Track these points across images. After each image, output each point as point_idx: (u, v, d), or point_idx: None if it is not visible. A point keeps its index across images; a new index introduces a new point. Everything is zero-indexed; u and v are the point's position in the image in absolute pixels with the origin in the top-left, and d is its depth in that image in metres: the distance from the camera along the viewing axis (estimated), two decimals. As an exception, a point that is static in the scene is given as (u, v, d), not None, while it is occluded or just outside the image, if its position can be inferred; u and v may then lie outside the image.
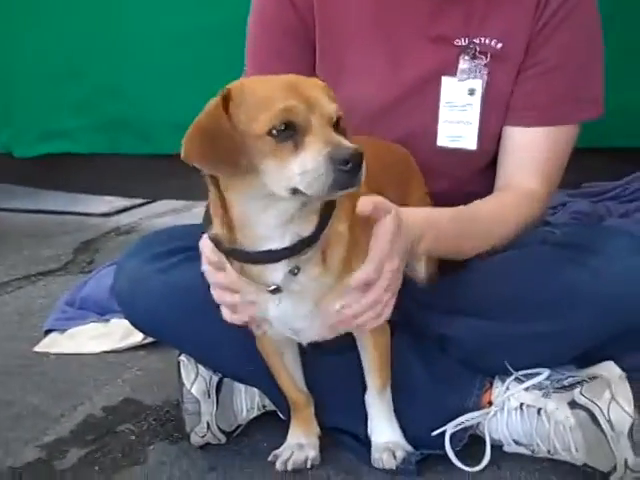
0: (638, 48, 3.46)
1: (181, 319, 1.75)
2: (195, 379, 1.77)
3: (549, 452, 1.62)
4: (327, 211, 1.43)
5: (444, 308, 1.72)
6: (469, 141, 1.81)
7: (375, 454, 1.69)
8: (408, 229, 1.47)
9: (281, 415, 1.86)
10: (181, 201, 4.24)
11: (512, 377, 1.68)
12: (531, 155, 1.80)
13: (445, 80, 1.80)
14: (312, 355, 1.72)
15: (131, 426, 1.98)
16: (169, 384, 2.18)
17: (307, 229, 1.41)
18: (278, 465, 1.70)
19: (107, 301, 2.58)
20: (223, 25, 3.66)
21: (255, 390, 1.87)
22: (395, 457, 1.66)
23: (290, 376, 1.72)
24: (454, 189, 1.85)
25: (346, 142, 1.29)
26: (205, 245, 1.49)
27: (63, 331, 2.55)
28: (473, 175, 1.88)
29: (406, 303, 1.59)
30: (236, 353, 1.75)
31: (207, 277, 1.51)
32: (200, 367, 1.80)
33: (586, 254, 1.60)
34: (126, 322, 2.44)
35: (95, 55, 4.17)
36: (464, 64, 1.79)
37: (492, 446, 1.67)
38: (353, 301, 1.44)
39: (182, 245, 1.78)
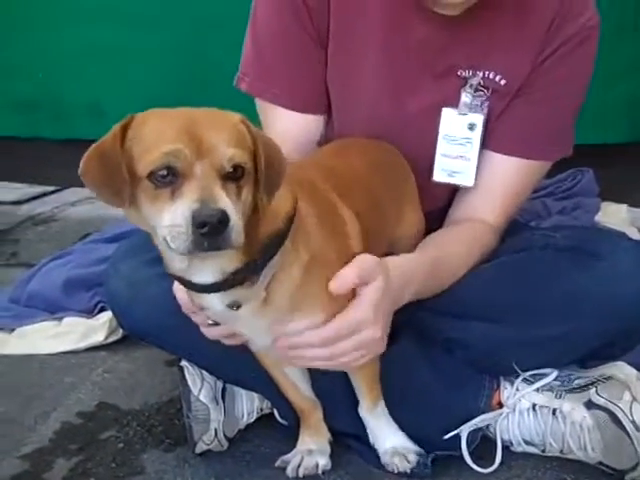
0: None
1: (183, 327, 1.66)
2: (202, 385, 1.71)
3: (561, 451, 1.66)
4: (272, 242, 1.32)
5: (454, 313, 1.71)
6: (466, 177, 1.79)
7: (385, 459, 1.68)
8: (394, 284, 1.46)
9: (281, 420, 1.83)
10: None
11: (520, 378, 1.71)
12: (501, 190, 1.81)
13: (445, 112, 1.76)
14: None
15: (115, 433, 1.89)
16: (140, 386, 2.12)
17: (230, 265, 1.29)
18: (289, 471, 1.67)
19: (59, 299, 2.46)
20: (138, 5, 3.58)
21: (254, 394, 1.83)
22: (408, 460, 1.66)
23: (293, 385, 1.69)
24: (431, 209, 1.89)
25: (219, 200, 1.15)
26: None
27: (11, 330, 2.39)
28: (451, 197, 1.91)
29: (413, 307, 1.60)
30: (239, 361, 1.68)
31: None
32: (204, 372, 1.74)
33: (589, 258, 1.63)
34: (83, 320, 2.38)
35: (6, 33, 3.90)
36: (466, 97, 1.75)
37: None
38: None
39: None
